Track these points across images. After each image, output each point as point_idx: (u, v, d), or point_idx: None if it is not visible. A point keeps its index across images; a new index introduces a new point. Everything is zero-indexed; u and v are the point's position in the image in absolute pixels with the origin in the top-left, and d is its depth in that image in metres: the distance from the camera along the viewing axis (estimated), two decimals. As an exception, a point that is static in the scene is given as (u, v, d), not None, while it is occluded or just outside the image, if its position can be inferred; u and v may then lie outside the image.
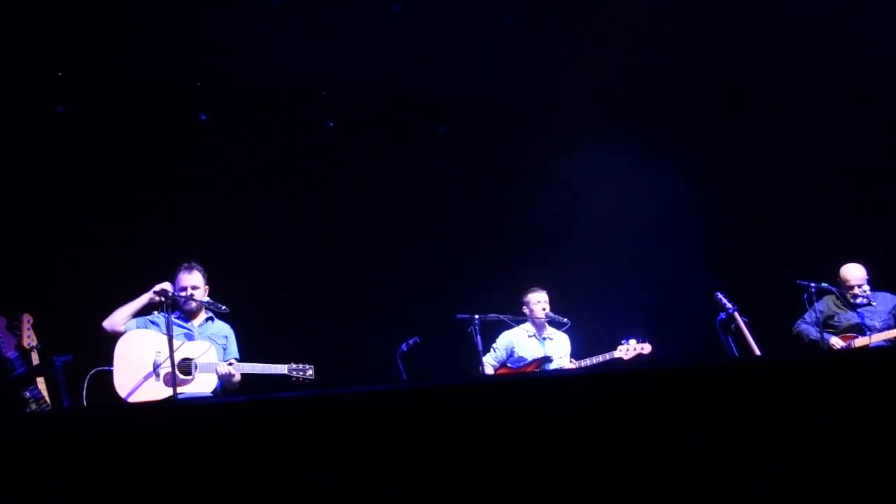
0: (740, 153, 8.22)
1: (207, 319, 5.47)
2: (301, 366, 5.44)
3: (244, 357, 5.49)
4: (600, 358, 6.48)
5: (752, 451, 2.53)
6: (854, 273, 6.50)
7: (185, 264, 5.43)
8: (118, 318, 5.19)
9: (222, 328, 5.53)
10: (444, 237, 7.97)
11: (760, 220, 8.09)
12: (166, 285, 5.17)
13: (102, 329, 5.21)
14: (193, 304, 5.36)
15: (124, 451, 2.30)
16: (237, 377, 5.26)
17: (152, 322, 5.25)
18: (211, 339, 5.37)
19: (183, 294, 5.33)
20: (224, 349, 5.44)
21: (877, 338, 6.25)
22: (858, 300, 6.44)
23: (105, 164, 7.00)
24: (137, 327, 5.23)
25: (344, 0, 6.66)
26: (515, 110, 8.24)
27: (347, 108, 7.80)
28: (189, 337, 5.33)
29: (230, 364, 5.26)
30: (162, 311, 5.14)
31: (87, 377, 5.06)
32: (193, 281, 5.37)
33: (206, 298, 5.37)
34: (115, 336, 5.17)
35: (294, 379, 5.43)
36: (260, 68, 7.16)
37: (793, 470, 2.53)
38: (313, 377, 5.46)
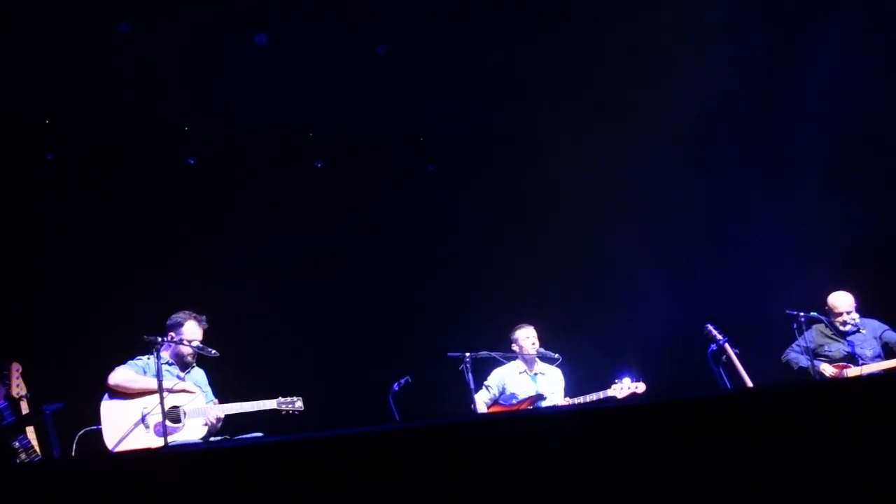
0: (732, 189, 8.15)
1: (192, 367, 5.52)
2: (289, 399, 5.43)
3: (235, 397, 5.47)
4: (594, 396, 6.44)
5: (745, 483, 2.53)
6: (842, 301, 6.46)
7: (199, 316, 5.46)
8: (125, 385, 5.15)
9: (201, 374, 5.58)
10: (433, 275, 7.98)
11: (748, 251, 8.06)
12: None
13: (107, 384, 5.17)
14: (188, 351, 5.38)
15: (117, 501, 2.28)
16: (221, 420, 5.29)
17: (144, 370, 5.24)
18: (197, 385, 5.42)
19: (185, 344, 5.35)
20: (206, 394, 5.50)
21: (867, 369, 6.18)
22: (847, 328, 6.41)
23: (94, 210, 7.01)
24: (135, 373, 5.21)
25: (329, 41, 6.73)
26: (503, 147, 8.30)
27: (336, 148, 7.85)
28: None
29: (216, 408, 5.27)
30: (152, 354, 5.11)
31: (76, 438, 5.02)
32: (200, 335, 5.42)
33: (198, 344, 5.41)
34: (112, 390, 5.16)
35: (284, 412, 5.40)
36: (247, 110, 7.20)
37: (785, 499, 2.53)
38: (303, 408, 5.44)
